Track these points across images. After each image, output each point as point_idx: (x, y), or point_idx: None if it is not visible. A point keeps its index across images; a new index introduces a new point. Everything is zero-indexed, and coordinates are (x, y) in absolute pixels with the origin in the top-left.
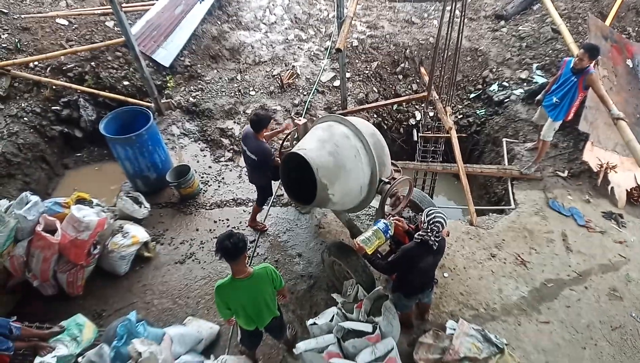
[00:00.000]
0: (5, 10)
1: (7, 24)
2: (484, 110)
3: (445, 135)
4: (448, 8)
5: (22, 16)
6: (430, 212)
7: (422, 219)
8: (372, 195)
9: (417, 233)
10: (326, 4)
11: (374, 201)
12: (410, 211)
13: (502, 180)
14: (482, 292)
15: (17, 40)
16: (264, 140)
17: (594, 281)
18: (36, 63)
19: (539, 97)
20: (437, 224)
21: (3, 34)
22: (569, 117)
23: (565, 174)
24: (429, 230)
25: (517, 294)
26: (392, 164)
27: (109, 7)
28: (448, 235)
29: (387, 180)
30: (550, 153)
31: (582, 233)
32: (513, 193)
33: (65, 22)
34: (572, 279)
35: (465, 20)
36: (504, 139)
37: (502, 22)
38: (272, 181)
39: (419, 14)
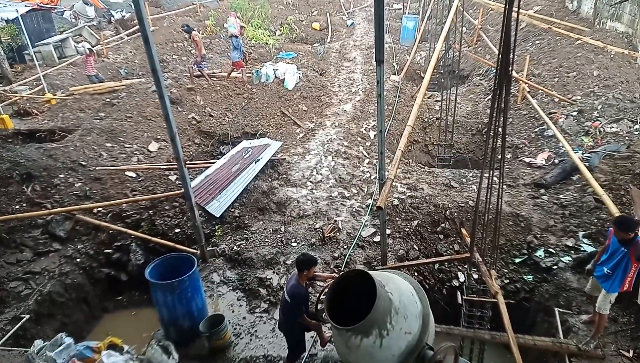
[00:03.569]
0: (84, 163)
1: (83, 175)
2: (531, 276)
3: (492, 300)
4: (486, 175)
5: (97, 168)
6: None
7: None
8: (411, 362)
9: None
10: (369, 166)
11: None
12: None
13: (559, 355)
14: None
15: (87, 188)
16: (304, 284)
17: None
18: (99, 209)
19: (589, 267)
20: None
21: (77, 183)
22: (625, 289)
23: (631, 354)
24: None
25: None
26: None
27: (175, 163)
28: None
29: (430, 345)
30: (609, 327)
31: None
32: None
33: (134, 175)
34: None
35: (504, 186)
36: (556, 309)
37: (542, 191)
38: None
39: (458, 179)
